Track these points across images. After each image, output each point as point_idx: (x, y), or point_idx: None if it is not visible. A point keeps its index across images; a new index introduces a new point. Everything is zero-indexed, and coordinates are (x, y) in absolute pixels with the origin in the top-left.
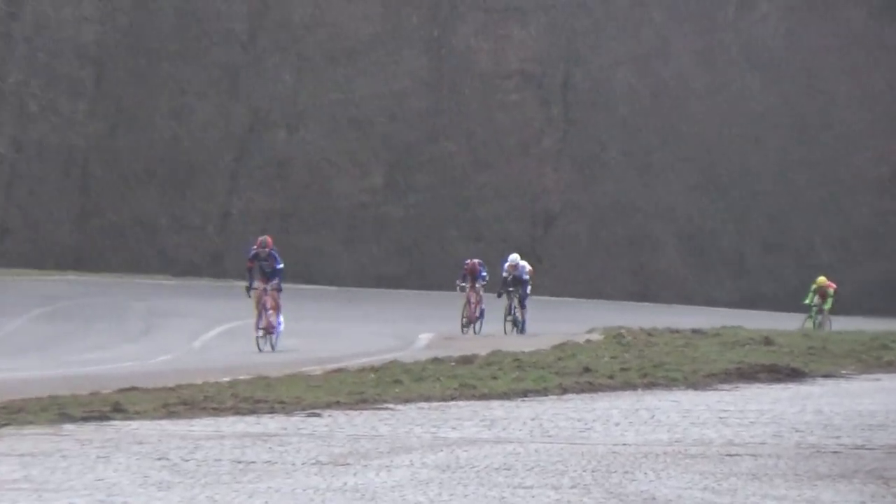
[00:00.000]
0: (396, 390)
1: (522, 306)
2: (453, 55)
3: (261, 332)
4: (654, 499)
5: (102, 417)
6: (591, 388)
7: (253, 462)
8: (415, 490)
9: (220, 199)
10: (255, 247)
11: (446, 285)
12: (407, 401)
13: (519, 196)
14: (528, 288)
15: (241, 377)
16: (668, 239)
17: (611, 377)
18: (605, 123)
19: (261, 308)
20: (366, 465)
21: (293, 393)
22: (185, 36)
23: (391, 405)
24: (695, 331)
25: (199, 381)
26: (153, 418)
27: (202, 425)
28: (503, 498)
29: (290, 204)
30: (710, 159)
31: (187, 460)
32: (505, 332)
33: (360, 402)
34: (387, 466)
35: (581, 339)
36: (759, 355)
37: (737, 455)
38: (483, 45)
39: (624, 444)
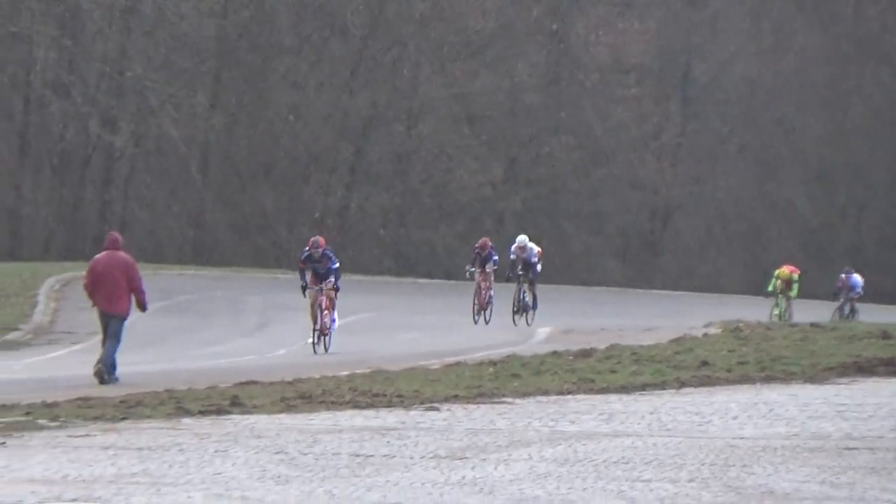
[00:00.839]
0: (515, 384)
1: (532, 292)
2: (572, 49)
3: (316, 335)
4: (772, 492)
5: (220, 411)
6: (709, 381)
7: (371, 456)
8: (533, 484)
9: (337, 194)
10: (308, 248)
11: (566, 279)
12: (525, 394)
13: (637, 190)
14: (538, 270)
15: (359, 371)
16: (785, 233)
17: (728, 371)
18: (724, 118)
19: (316, 309)
20: (484, 459)
21: (411, 387)
22: (304, 30)
23: (509, 399)
24: (812, 325)
25: (317, 376)
26: (271, 412)
27: (320, 419)
28: (621, 491)
29: (407, 198)
30: (828, 153)
31: (305, 454)
32: (515, 324)
33: (479, 395)
34: (505, 460)
35: (699, 333)
36: (876, 349)
37: (854, 449)
38: (602, 39)
39: (742, 438)
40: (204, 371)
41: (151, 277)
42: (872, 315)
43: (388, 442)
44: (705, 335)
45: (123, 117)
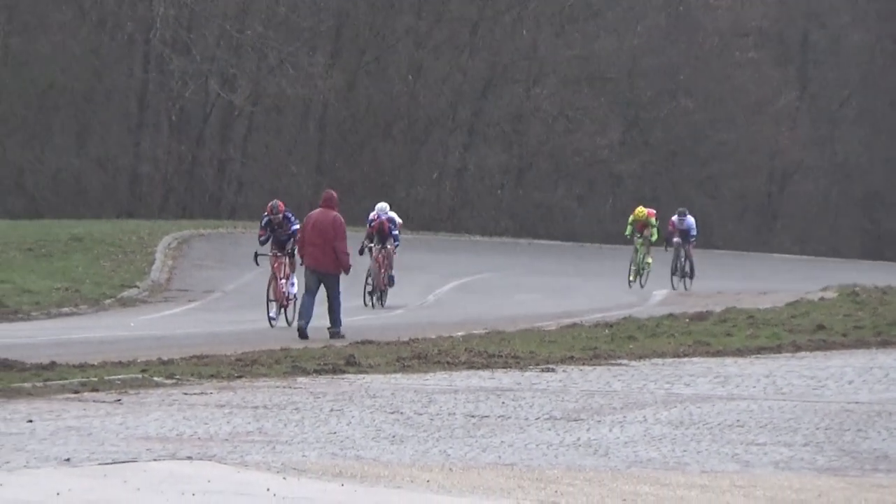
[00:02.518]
0: (630, 346)
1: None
2: (691, 12)
3: (275, 307)
4: (886, 457)
5: (336, 370)
6: (825, 345)
7: (486, 416)
8: (647, 446)
9: (456, 154)
10: (266, 213)
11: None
12: (641, 357)
13: (755, 154)
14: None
15: (476, 331)
16: None
17: (844, 335)
18: (842, 82)
19: (271, 277)
20: (599, 421)
21: (527, 348)
22: None
23: (625, 361)
24: None
25: (433, 336)
26: (386, 372)
27: (436, 379)
28: (736, 455)
29: (525, 159)
30: None
31: (420, 414)
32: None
33: (594, 357)
34: (620, 422)
35: (815, 297)
36: None
37: None
38: (721, 2)
39: (857, 403)
40: (319, 330)
41: None
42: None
43: (503, 403)
44: (821, 299)
45: (242, 76)
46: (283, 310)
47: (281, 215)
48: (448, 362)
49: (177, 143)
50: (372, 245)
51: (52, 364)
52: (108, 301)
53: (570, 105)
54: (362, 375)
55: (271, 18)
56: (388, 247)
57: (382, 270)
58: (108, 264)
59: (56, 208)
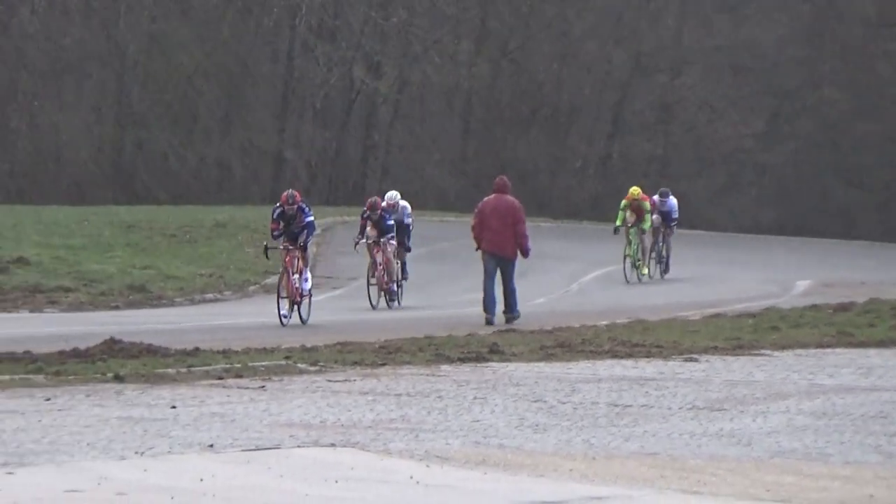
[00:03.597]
0: (773, 336)
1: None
2: (837, 2)
3: (286, 304)
4: None
5: (479, 359)
6: None
7: (629, 406)
8: (790, 437)
9: (600, 143)
10: (280, 204)
11: (826, 232)
12: (784, 347)
13: None
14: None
15: (619, 321)
16: None
17: None
18: None
19: (286, 273)
20: (742, 411)
21: (670, 337)
22: None
23: (768, 351)
24: None
25: (576, 325)
26: (530, 360)
27: (579, 368)
28: (879, 446)
29: (670, 148)
30: None
31: (564, 403)
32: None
33: (737, 347)
34: (763, 412)
35: None
36: None
37: None
38: None
39: None
40: (463, 318)
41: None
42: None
43: (646, 392)
44: None
45: (387, 62)
46: (295, 307)
47: (296, 206)
48: (591, 351)
49: (321, 129)
50: (363, 239)
51: (196, 350)
52: (251, 287)
53: (713, 94)
54: (505, 364)
55: (416, 6)
56: (383, 241)
57: (381, 267)
58: (252, 251)
59: (200, 194)
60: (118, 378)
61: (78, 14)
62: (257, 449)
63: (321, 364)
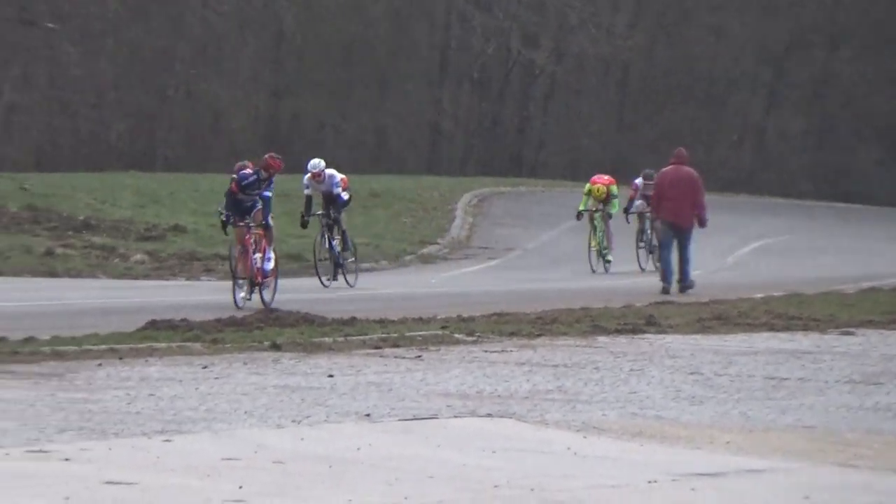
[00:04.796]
0: None
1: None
2: None
3: (241, 283)
4: None
5: (636, 330)
6: None
7: (786, 379)
8: None
9: (755, 117)
10: (257, 169)
11: None
12: None
13: None
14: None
15: (775, 294)
16: None
17: None
18: None
19: (240, 252)
20: None
21: (826, 311)
22: None
23: None
24: None
25: (733, 297)
26: (686, 332)
27: (735, 341)
28: None
29: (825, 122)
30: None
31: (720, 375)
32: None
33: (894, 321)
34: None
35: None
36: None
37: None
38: None
39: None
40: (617, 290)
41: (568, 195)
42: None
43: (802, 365)
44: None
45: (544, 34)
46: (256, 288)
47: (266, 173)
48: (748, 324)
49: (478, 100)
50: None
51: (353, 319)
52: (408, 257)
53: (870, 68)
54: (662, 336)
55: None
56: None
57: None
58: (409, 220)
59: (357, 164)
60: (275, 346)
61: None
62: (414, 419)
63: (478, 334)
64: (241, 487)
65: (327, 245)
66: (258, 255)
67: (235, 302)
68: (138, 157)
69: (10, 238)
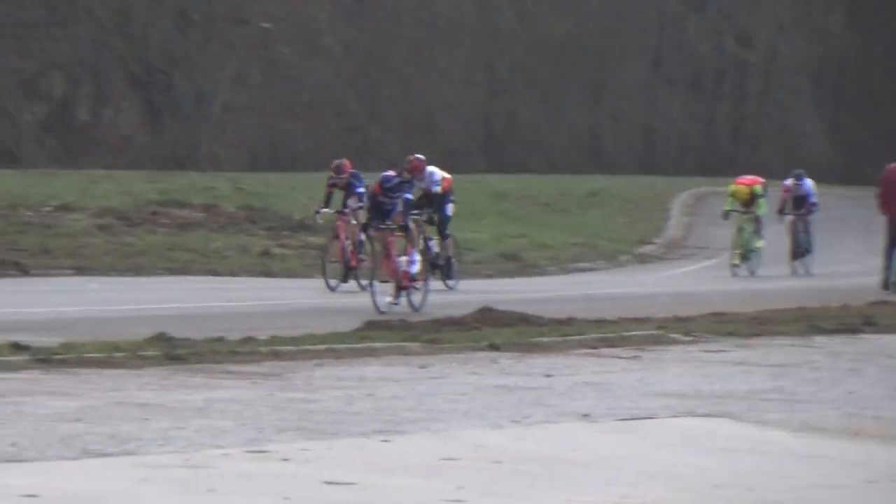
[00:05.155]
0: None
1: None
2: None
3: (385, 289)
4: None
5: (853, 330)
6: None
7: None
8: None
9: None
10: (401, 172)
11: None
12: None
13: None
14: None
15: None
16: None
17: None
18: None
19: (382, 253)
20: None
21: None
22: None
23: None
24: None
25: None
26: None
27: None
28: None
29: None
30: None
31: None
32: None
33: None
34: None
35: None
36: None
37: None
38: None
39: None
40: (833, 289)
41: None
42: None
43: None
44: None
45: (758, 34)
46: (403, 292)
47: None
48: None
49: (692, 100)
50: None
51: (570, 319)
52: (624, 257)
53: None
54: (880, 335)
55: None
56: (357, 205)
57: (348, 244)
58: (624, 220)
59: (572, 164)
60: (493, 346)
61: None
62: (632, 418)
63: (695, 334)
64: (459, 487)
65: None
66: (403, 259)
67: (376, 307)
68: (354, 157)
69: (226, 238)
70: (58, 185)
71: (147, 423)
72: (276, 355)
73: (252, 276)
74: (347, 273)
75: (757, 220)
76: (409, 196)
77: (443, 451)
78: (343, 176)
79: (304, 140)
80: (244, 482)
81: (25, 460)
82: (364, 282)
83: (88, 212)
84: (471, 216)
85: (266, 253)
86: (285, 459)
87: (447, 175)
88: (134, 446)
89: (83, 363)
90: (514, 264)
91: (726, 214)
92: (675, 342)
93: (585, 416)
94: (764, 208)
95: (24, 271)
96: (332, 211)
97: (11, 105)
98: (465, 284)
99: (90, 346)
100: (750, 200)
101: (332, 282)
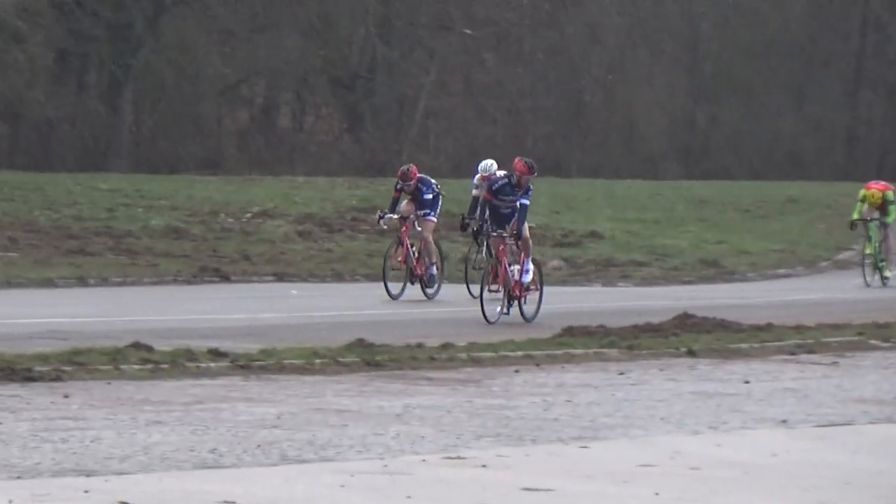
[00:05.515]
0: None
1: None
2: None
3: (496, 297)
4: None
5: None
6: None
7: None
8: None
9: None
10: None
11: None
12: None
13: None
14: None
15: None
16: None
17: None
18: None
19: (495, 264)
20: None
21: None
22: None
23: None
24: None
25: None
26: None
27: None
28: None
29: None
30: None
31: None
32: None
33: None
34: None
35: None
36: None
37: None
38: None
39: None
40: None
41: None
42: None
43: None
44: None
45: None
46: (514, 302)
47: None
48: None
49: (894, 106)
50: (390, 214)
51: (769, 325)
52: (823, 263)
53: None
54: None
55: None
56: (427, 216)
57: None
58: (823, 226)
59: (772, 170)
60: (691, 353)
61: None
62: (830, 425)
63: (894, 340)
64: (657, 493)
65: (485, 254)
66: (515, 268)
67: (485, 317)
68: (554, 163)
69: None
70: (258, 191)
71: (345, 430)
72: (475, 362)
73: (450, 282)
74: (412, 279)
75: (884, 228)
76: (527, 202)
77: (640, 458)
78: (410, 182)
79: (505, 146)
80: (442, 488)
81: (224, 466)
82: (430, 290)
83: (289, 218)
84: (670, 222)
85: (464, 259)
86: (483, 466)
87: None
88: (332, 453)
89: (282, 369)
90: (714, 270)
91: (853, 224)
92: (874, 348)
93: (783, 422)
94: (893, 215)
95: (224, 277)
96: (396, 216)
97: (213, 112)
98: (663, 290)
99: (289, 353)
100: (881, 206)
101: (394, 288)
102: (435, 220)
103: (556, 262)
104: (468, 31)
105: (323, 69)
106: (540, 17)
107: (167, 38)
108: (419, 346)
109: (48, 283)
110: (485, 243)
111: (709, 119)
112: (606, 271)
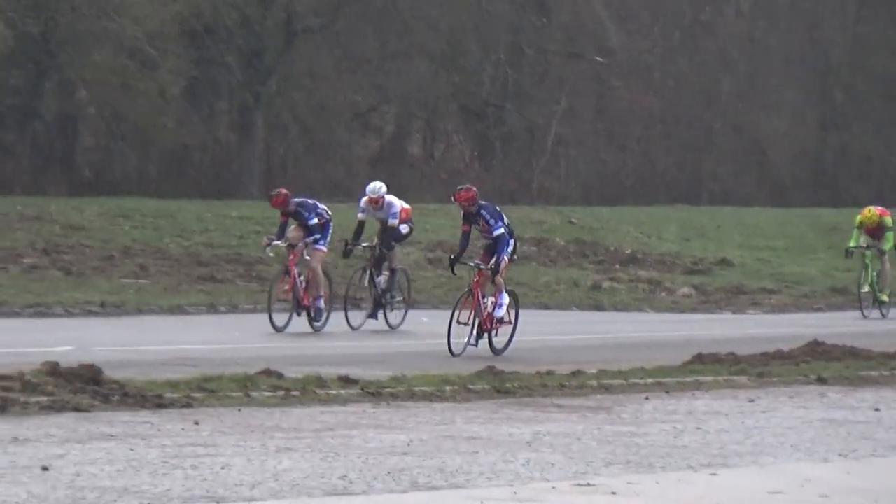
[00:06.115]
0: None
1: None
2: None
3: (464, 331)
4: None
5: None
6: None
7: None
8: None
9: None
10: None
11: None
12: None
13: None
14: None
15: None
16: None
17: None
18: None
19: (466, 295)
20: None
21: None
22: None
23: None
24: None
25: None
26: None
27: None
28: None
29: None
30: None
31: None
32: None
33: None
34: None
35: None
36: None
37: None
38: None
39: None
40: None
41: None
42: None
43: None
44: None
45: None
46: (485, 334)
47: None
48: None
49: None
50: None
51: None
52: None
53: None
54: None
55: None
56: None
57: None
58: None
59: None
60: (821, 380)
61: (782, 15)
62: None
63: None
64: None
65: (367, 282)
66: (490, 300)
67: (450, 349)
68: (685, 191)
69: (557, 272)
70: None
71: (475, 457)
72: (605, 389)
73: (582, 309)
74: (298, 311)
75: (882, 254)
76: (500, 231)
77: (770, 485)
78: (286, 207)
79: (635, 174)
80: None
81: (354, 493)
82: (318, 323)
83: (420, 245)
84: (800, 250)
85: (596, 287)
86: (613, 493)
87: (406, 205)
88: (462, 479)
89: (412, 396)
90: (844, 298)
91: (849, 252)
92: None
93: None
94: (890, 242)
95: (356, 305)
96: (284, 244)
97: (344, 139)
98: (793, 318)
99: (419, 380)
100: (877, 230)
101: (278, 319)
102: (324, 249)
103: (685, 290)
104: (599, 59)
105: (453, 97)
106: (670, 45)
107: (298, 66)
108: (549, 373)
109: (178, 311)
110: (368, 270)
111: (839, 146)
112: (736, 299)
